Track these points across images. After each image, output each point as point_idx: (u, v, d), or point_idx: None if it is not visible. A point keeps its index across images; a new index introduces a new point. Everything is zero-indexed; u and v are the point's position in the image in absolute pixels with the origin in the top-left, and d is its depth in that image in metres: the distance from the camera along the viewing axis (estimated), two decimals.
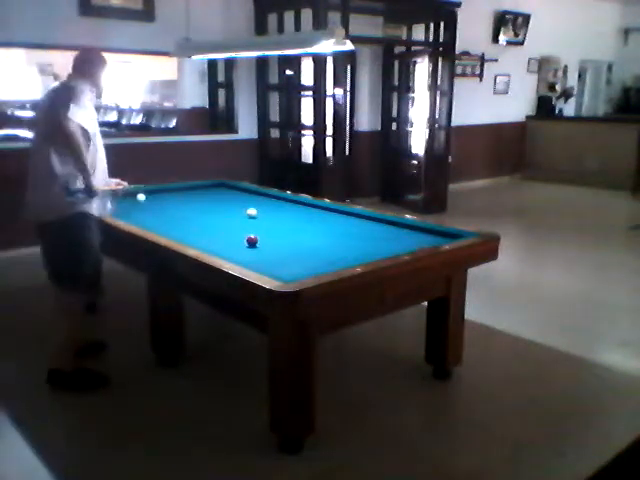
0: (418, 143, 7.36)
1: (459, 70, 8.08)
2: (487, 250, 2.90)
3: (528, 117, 9.75)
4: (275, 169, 6.32)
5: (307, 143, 6.30)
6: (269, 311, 2.25)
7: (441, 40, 7.02)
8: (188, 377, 3.07)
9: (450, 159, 7.37)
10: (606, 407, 2.89)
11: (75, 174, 2.76)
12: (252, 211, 3.42)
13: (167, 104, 8.37)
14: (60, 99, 2.71)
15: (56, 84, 2.99)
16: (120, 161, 5.37)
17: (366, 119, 7.74)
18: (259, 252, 2.71)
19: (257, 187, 4.49)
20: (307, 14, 5.60)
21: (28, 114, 9.34)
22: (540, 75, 9.85)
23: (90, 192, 2.79)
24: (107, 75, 2.97)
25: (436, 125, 7.14)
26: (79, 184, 2.77)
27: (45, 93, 2.98)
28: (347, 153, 7.31)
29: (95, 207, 2.90)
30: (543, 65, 9.81)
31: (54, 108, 2.70)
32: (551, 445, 2.52)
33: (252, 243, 2.77)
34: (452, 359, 3.02)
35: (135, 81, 9.50)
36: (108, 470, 2.35)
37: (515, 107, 9.39)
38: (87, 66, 2.89)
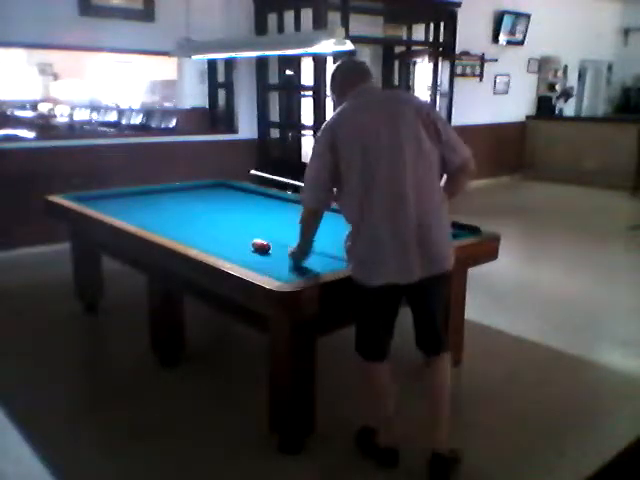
0: None
1: (459, 70, 8.08)
2: (487, 250, 2.90)
3: (528, 117, 9.75)
4: (275, 169, 6.30)
5: (307, 143, 6.29)
6: (269, 311, 2.25)
7: (441, 40, 7.02)
8: (188, 377, 3.07)
9: None
10: (606, 407, 2.89)
11: None
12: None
13: (167, 104, 8.37)
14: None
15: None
16: (120, 161, 5.43)
17: None
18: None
19: (257, 187, 4.48)
20: (307, 14, 5.59)
21: (28, 114, 9.35)
22: (540, 75, 9.85)
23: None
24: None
25: None
26: None
27: (394, 108, 2.20)
28: None
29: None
30: (543, 65, 9.81)
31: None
32: (551, 445, 2.52)
33: (264, 250, 2.65)
34: (452, 359, 3.01)
35: (135, 81, 9.50)
36: (108, 470, 2.35)
37: (515, 107, 9.39)
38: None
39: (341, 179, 2.17)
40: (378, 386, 2.33)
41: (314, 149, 2.23)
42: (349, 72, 2.33)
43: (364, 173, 2.11)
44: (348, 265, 2.24)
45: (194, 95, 6.67)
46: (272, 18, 6.04)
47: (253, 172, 3.64)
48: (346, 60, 2.47)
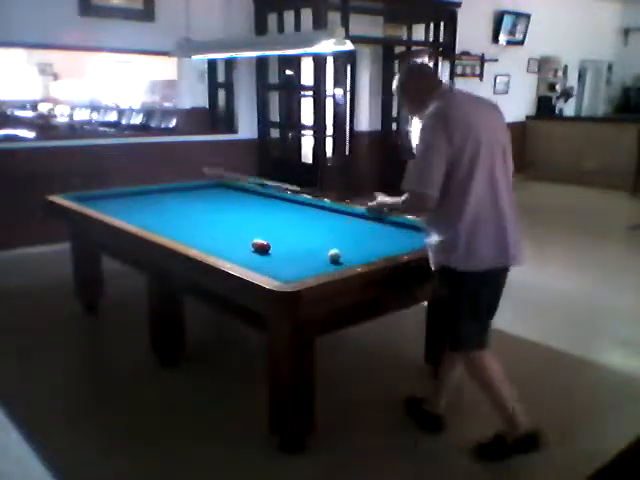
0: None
1: (459, 70, 8.09)
2: None
3: (528, 117, 9.75)
4: (275, 169, 6.31)
5: (307, 143, 6.29)
6: (269, 311, 2.25)
7: (441, 40, 7.03)
8: (188, 377, 3.07)
9: None
10: (606, 407, 2.89)
11: None
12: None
13: (167, 104, 8.37)
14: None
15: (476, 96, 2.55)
16: (120, 161, 5.43)
17: (366, 119, 7.74)
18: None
19: (255, 187, 4.48)
20: (307, 14, 5.60)
21: (28, 114, 9.35)
22: (540, 75, 9.85)
23: None
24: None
25: None
26: None
27: (485, 105, 2.48)
28: (347, 153, 7.31)
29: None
30: (543, 65, 9.81)
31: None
32: (551, 445, 2.52)
33: (263, 250, 2.64)
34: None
35: (135, 81, 9.50)
36: (108, 470, 2.35)
37: (515, 107, 9.38)
38: None
39: (452, 172, 2.20)
40: (498, 371, 2.38)
41: (426, 140, 2.22)
42: (428, 74, 2.48)
43: (487, 167, 2.23)
44: (448, 259, 2.27)
45: (194, 95, 6.67)
46: (272, 18, 6.04)
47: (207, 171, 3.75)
48: (415, 64, 2.62)
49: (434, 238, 2.30)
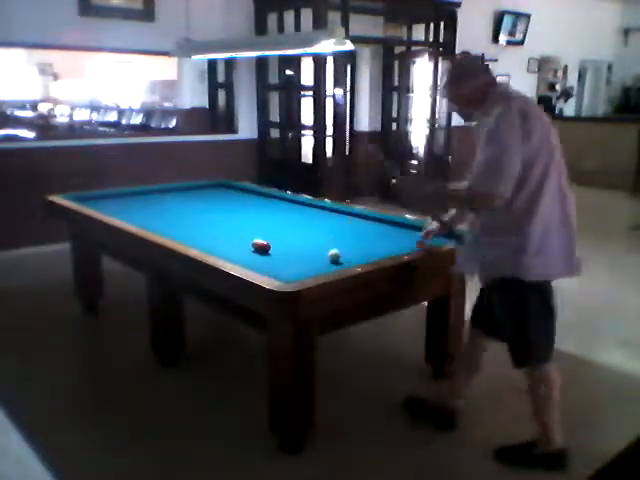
0: (418, 143, 7.36)
1: None
2: None
3: None
4: (275, 169, 6.32)
5: (307, 143, 6.29)
6: (269, 311, 2.25)
7: (441, 40, 7.02)
8: (188, 377, 3.07)
9: (450, 159, 7.37)
10: (606, 407, 2.89)
11: None
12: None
13: (167, 104, 8.38)
14: None
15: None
16: (120, 161, 5.43)
17: (366, 119, 7.74)
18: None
19: (257, 187, 4.49)
20: (307, 14, 5.60)
21: (28, 114, 9.36)
22: (540, 75, 9.86)
23: None
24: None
25: (436, 125, 7.14)
26: None
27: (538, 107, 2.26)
28: (347, 153, 7.31)
29: None
30: (543, 65, 9.81)
31: None
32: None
33: (263, 250, 2.64)
34: (455, 360, 3.01)
35: (135, 81, 9.51)
36: (108, 470, 2.35)
37: None
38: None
39: (525, 176, 2.10)
40: (558, 387, 2.30)
41: (503, 138, 2.08)
42: (483, 70, 2.29)
43: (557, 172, 2.15)
44: (516, 270, 2.16)
45: (194, 95, 6.68)
46: (272, 18, 6.04)
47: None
48: (464, 58, 2.41)
49: (493, 250, 2.19)
